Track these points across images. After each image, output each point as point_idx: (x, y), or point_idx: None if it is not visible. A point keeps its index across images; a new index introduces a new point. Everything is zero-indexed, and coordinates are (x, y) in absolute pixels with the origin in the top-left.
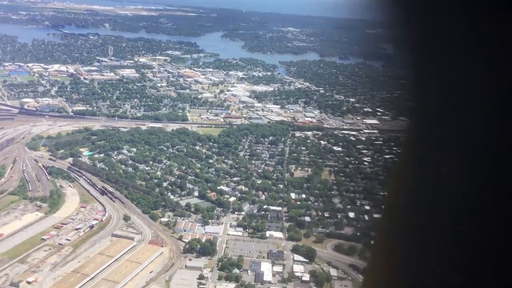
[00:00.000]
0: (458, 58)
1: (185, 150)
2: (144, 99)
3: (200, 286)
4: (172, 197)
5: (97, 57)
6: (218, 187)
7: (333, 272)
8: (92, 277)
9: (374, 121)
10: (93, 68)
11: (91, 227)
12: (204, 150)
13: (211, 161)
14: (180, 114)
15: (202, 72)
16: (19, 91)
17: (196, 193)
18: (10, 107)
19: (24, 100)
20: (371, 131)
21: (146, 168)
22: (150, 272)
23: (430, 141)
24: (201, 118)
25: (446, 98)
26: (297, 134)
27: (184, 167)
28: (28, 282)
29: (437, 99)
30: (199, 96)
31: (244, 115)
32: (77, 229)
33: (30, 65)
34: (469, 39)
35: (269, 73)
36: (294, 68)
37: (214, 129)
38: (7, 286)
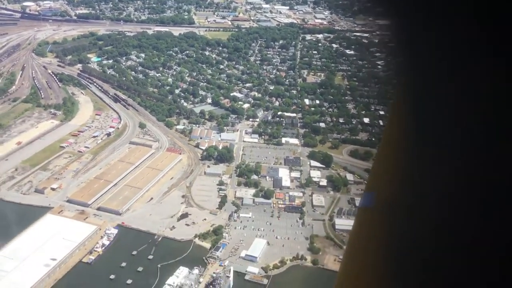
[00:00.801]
0: None
1: (194, 56)
2: (148, 1)
3: (220, 191)
4: (185, 104)
5: None
6: (231, 94)
7: (350, 176)
8: (115, 183)
9: (387, 22)
10: None
11: (108, 134)
12: (214, 55)
13: (222, 66)
14: (186, 17)
15: None
16: None
17: (209, 100)
18: (11, 11)
19: (25, 3)
20: (384, 32)
21: (157, 75)
22: (171, 179)
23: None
24: (208, 21)
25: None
26: (308, 37)
27: (195, 73)
28: (52, 189)
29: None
30: None
31: (252, 18)
32: (94, 136)
33: None
34: None
35: None
36: None
37: (222, 32)
38: (32, 193)
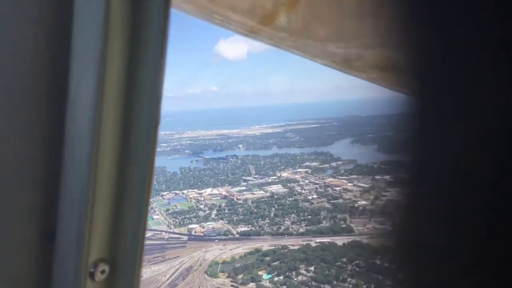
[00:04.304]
0: None
1: (365, 266)
2: (301, 213)
3: None
4: None
5: (242, 177)
6: None
7: None
8: None
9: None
10: (242, 188)
11: None
12: (386, 264)
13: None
14: (343, 226)
15: (348, 179)
16: (183, 217)
17: None
18: (179, 234)
19: (190, 226)
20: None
21: None
22: None
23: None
24: (367, 228)
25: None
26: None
27: (372, 286)
28: None
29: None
30: (356, 205)
31: None
32: None
33: (185, 191)
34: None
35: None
36: None
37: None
38: None
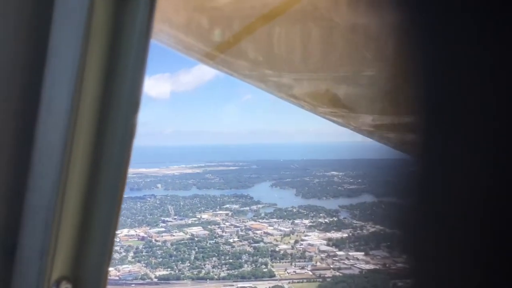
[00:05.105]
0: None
1: None
2: (223, 257)
3: None
4: None
5: (161, 218)
6: None
7: None
8: None
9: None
10: (161, 229)
11: None
12: None
13: None
14: (265, 270)
15: (268, 223)
16: None
17: None
18: None
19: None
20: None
21: None
22: None
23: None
24: (288, 273)
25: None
26: (400, 283)
27: None
28: None
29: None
30: (277, 249)
31: (331, 266)
32: None
33: None
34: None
35: (335, 219)
36: (357, 211)
37: (307, 284)
38: None
